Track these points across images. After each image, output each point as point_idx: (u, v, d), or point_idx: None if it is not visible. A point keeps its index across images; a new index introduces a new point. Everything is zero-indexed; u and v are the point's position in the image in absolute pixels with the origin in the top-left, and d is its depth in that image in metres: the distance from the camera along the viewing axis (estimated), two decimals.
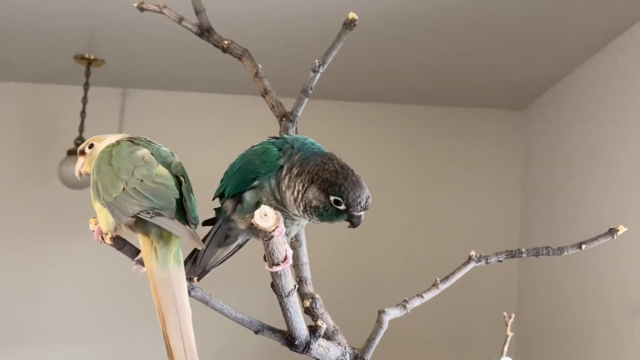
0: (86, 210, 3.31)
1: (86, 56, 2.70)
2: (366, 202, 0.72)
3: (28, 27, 2.40)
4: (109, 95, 3.07)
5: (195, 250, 0.85)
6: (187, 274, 0.75)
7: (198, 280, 0.85)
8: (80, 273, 2.99)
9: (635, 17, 2.07)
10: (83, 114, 2.83)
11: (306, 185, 0.72)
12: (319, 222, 0.75)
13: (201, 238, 0.83)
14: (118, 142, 0.79)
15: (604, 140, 2.31)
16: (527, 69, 2.59)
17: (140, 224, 0.72)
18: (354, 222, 0.73)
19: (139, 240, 0.73)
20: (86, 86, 2.82)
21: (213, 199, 0.84)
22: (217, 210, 0.83)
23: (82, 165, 0.83)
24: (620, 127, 2.20)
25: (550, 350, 2.60)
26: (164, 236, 0.71)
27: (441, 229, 3.06)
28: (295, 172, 0.74)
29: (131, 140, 0.79)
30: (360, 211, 0.72)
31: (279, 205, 0.75)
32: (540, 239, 2.77)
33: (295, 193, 0.73)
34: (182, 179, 0.76)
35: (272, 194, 0.75)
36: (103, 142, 0.81)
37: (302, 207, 0.73)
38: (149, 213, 0.70)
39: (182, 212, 0.74)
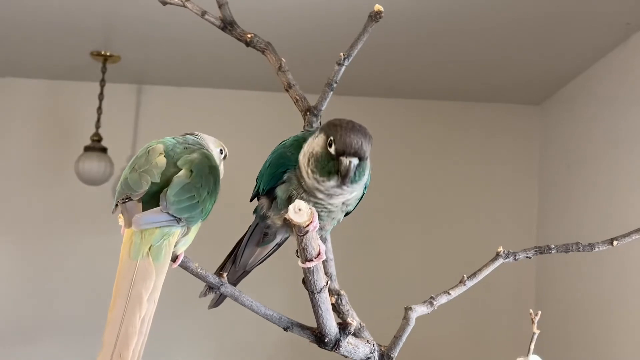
0: (102, 206, 3.33)
1: (102, 53, 2.70)
2: (358, 146, 0.68)
3: (44, 24, 2.41)
4: (125, 92, 3.08)
5: (233, 250, 0.85)
6: (227, 275, 0.74)
7: (237, 282, 0.84)
8: (97, 268, 3.00)
9: None
10: (99, 110, 2.84)
11: (315, 137, 0.72)
12: (320, 182, 0.71)
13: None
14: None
15: (622, 135, 2.28)
16: (545, 64, 2.56)
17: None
18: (340, 169, 0.69)
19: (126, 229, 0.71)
20: (102, 82, 2.82)
21: (251, 200, 0.83)
22: (255, 210, 0.82)
23: None
24: (639, 121, 2.17)
25: (569, 349, 2.57)
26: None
27: (459, 224, 3.04)
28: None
29: (157, 140, 0.80)
30: (349, 156, 0.68)
31: (309, 196, 0.73)
32: (557, 234, 2.74)
33: (306, 147, 0.73)
34: (186, 171, 0.73)
35: (300, 184, 0.74)
36: None
37: (307, 161, 0.72)
38: (122, 199, 0.70)
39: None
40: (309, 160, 0.72)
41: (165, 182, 0.72)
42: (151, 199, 0.71)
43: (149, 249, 0.68)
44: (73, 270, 3.00)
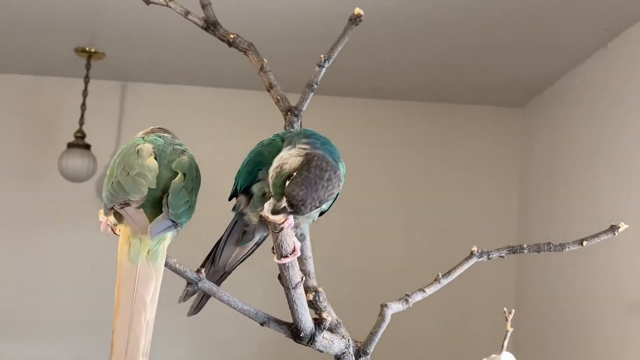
0: (86, 204, 3.31)
1: (87, 49, 2.70)
2: (297, 202, 0.67)
3: (29, 19, 2.40)
4: (110, 88, 3.07)
5: (212, 250, 0.86)
6: (206, 276, 0.76)
7: (219, 283, 0.85)
8: (80, 266, 2.99)
9: (637, 15, 2.07)
10: (83, 106, 2.83)
11: (297, 155, 0.71)
12: (272, 196, 0.71)
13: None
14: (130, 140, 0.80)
15: (603, 138, 2.32)
16: (527, 67, 2.60)
17: (119, 216, 0.72)
18: (274, 206, 0.68)
19: (121, 231, 0.72)
20: (87, 79, 2.82)
21: (230, 199, 0.84)
22: (234, 207, 0.83)
23: None
24: (620, 125, 2.21)
25: (548, 346, 2.61)
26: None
27: (441, 225, 3.07)
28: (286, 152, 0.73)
29: (143, 137, 0.79)
30: (287, 204, 0.67)
31: None
32: (538, 235, 2.78)
33: (286, 154, 0.72)
34: (182, 176, 0.74)
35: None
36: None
37: (274, 167, 0.71)
38: (120, 204, 0.70)
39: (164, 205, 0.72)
40: (276, 168, 0.71)
41: (161, 185, 0.73)
42: (149, 203, 0.72)
43: (148, 252, 0.70)
44: (56, 266, 2.99)
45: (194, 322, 2.94)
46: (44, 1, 2.24)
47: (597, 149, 2.35)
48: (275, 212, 0.68)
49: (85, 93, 2.84)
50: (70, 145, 2.76)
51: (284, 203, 0.68)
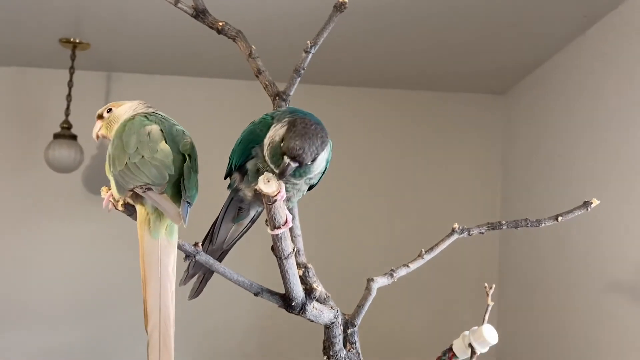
0: (73, 194, 3.30)
1: (72, 39, 2.70)
2: (298, 153, 0.72)
3: (13, 9, 2.39)
4: (95, 79, 3.07)
5: (211, 228, 0.90)
6: (205, 253, 0.80)
7: (220, 261, 0.89)
8: (67, 257, 3.01)
9: (614, 2, 2.12)
10: (69, 97, 2.83)
11: (281, 126, 0.77)
12: (273, 166, 0.77)
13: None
14: (133, 117, 0.83)
15: (582, 124, 2.38)
16: (508, 54, 2.65)
17: (137, 195, 0.75)
18: (280, 167, 0.74)
19: (137, 209, 0.76)
20: (72, 70, 2.82)
21: (225, 178, 0.88)
22: (229, 185, 0.87)
23: (99, 128, 0.88)
24: (599, 111, 2.27)
25: (530, 322, 2.69)
26: (158, 209, 0.75)
27: (426, 209, 3.13)
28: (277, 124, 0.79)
29: (145, 116, 0.83)
30: (290, 158, 0.73)
31: (271, 169, 0.78)
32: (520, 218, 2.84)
33: (272, 132, 0.78)
34: (187, 157, 0.79)
35: (264, 158, 0.79)
36: (121, 107, 0.85)
37: (267, 144, 0.77)
38: (142, 187, 0.74)
39: (179, 188, 0.77)
40: (268, 145, 0.77)
41: (176, 169, 0.77)
42: (168, 186, 0.76)
43: (166, 228, 0.75)
44: (44, 257, 3.00)
45: (182, 313, 2.98)
46: None
47: (576, 134, 2.41)
48: (282, 171, 0.73)
49: (70, 84, 2.84)
50: (57, 136, 2.77)
51: (287, 160, 0.73)
